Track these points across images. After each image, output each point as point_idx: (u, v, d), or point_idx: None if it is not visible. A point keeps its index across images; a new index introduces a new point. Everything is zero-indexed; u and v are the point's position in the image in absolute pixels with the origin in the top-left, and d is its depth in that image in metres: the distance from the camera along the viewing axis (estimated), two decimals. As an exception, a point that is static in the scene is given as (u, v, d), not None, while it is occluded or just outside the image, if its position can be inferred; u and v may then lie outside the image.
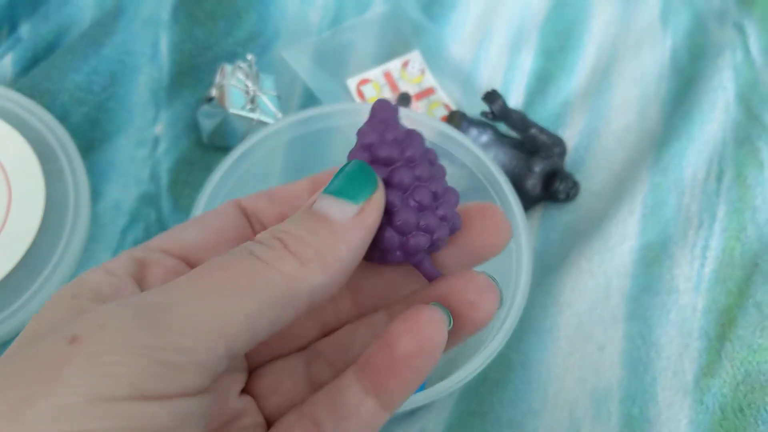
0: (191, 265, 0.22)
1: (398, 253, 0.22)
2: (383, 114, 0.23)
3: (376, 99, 0.55)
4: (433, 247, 0.23)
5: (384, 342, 0.21)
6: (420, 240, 0.22)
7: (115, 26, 0.54)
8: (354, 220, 0.20)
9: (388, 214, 0.22)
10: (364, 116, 0.46)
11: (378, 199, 0.21)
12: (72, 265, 0.46)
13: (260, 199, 0.24)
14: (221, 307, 0.18)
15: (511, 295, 0.40)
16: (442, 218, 0.22)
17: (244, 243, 0.20)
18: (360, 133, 0.23)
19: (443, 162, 0.45)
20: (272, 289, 0.18)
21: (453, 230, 0.23)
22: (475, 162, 0.44)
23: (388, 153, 0.22)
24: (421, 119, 0.45)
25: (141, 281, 0.21)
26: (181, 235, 0.22)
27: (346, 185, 0.20)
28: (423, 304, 0.21)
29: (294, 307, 0.19)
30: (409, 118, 0.45)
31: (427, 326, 0.20)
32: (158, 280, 0.21)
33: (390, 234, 0.22)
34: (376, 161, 0.22)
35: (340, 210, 0.20)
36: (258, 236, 0.20)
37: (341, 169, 0.21)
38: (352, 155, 0.22)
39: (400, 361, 0.20)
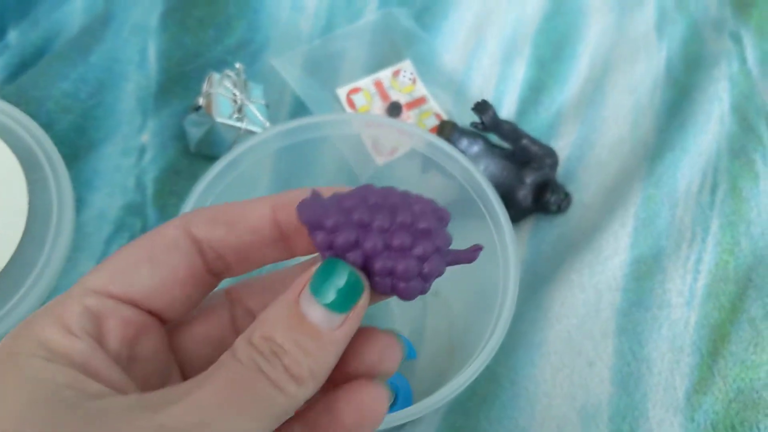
0: (144, 309, 0.21)
1: (401, 284, 0.22)
2: (309, 213, 0.21)
3: (366, 109, 0.55)
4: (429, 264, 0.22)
5: (328, 408, 0.22)
6: (402, 262, 0.21)
7: (104, 33, 0.53)
8: (341, 330, 0.20)
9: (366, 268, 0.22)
10: (353, 127, 0.46)
11: (363, 305, 0.21)
12: (55, 275, 0.45)
13: (216, 228, 0.22)
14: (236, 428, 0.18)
15: (498, 309, 0.40)
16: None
17: (244, 349, 0.19)
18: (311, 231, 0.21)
19: (433, 173, 0.45)
20: (277, 409, 0.19)
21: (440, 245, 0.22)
22: (464, 174, 0.43)
23: (344, 238, 0.21)
24: (411, 130, 0.44)
25: (100, 339, 0.20)
26: (132, 279, 0.21)
27: (335, 297, 0.20)
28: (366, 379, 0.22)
29: (285, 418, 0.20)
30: (398, 128, 0.45)
31: (370, 401, 0.21)
32: (118, 337, 0.21)
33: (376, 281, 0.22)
34: (339, 246, 0.21)
35: (328, 321, 0.20)
36: (254, 341, 0.20)
37: (327, 271, 0.21)
38: (318, 245, 0.21)
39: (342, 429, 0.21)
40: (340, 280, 0.20)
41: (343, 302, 0.20)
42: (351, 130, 0.45)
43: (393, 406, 0.45)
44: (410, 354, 0.46)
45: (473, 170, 0.42)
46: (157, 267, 0.21)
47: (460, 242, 0.46)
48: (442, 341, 0.48)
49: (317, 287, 0.20)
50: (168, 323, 0.23)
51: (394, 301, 0.47)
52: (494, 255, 0.42)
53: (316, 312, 0.20)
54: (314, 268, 0.21)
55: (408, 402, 0.45)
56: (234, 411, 0.18)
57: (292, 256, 0.24)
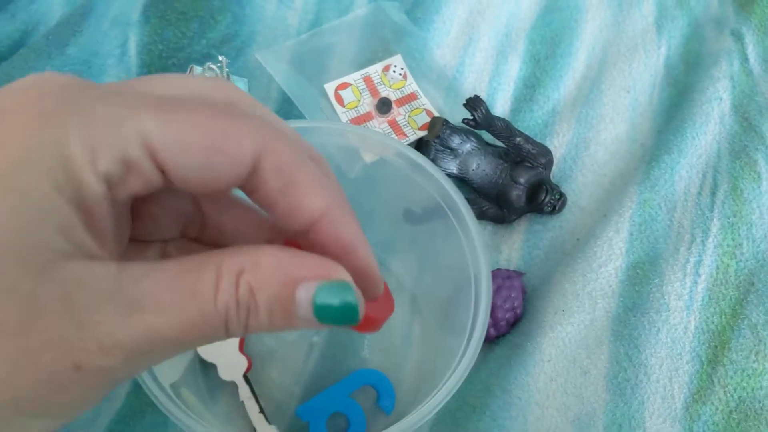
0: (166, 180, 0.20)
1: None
2: None
3: (355, 105, 0.53)
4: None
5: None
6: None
7: (82, 25, 0.51)
8: (307, 324, 0.21)
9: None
10: (344, 137, 0.44)
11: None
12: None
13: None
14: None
15: (471, 320, 0.38)
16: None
17: (227, 289, 0.20)
18: None
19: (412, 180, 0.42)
20: (211, 341, 0.21)
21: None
22: (436, 186, 0.41)
23: None
24: (379, 139, 0.42)
25: (115, 191, 0.19)
26: (188, 153, 0.19)
27: (330, 313, 0.21)
28: None
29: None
30: (366, 136, 0.43)
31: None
32: (131, 195, 0.19)
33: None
34: None
35: (307, 318, 0.21)
36: (241, 291, 0.20)
37: (337, 291, 0.21)
38: None
39: None
40: (344, 306, 0.21)
41: (332, 319, 0.21)
42: (342, 141, 0.44)
43: (379, 400, 0.44)
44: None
45: (444, 182, 0.40)
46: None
47: (444, 244, 0.45)
48: (424, 349, 0.47)
49: (323, 297, 0.20)
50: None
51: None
52: (466, 261, 0.40)
53: (304, 307, 0.20)
54: (329, 270, 0.21)
55: (390, 409, 0.43)
56: (177, 336, 0.19)
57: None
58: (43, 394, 0.18)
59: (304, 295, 0.20)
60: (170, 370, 0.38)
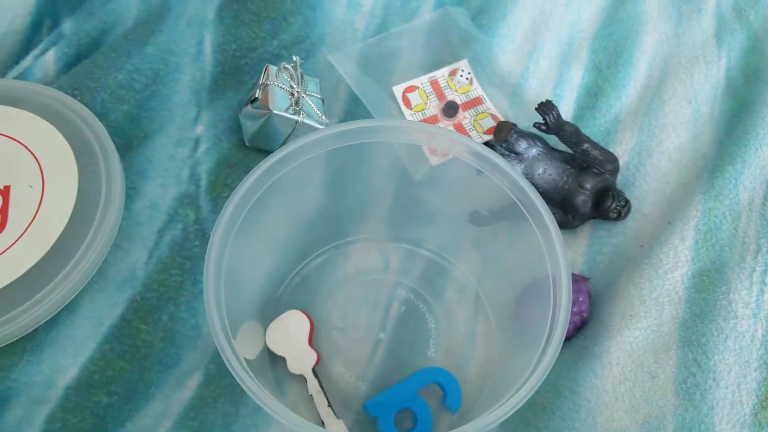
0: None
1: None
2: None
3: (422, 108, 0.54)
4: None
5: None
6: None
7: (160, 25, 0.53)
8: None
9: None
10: (411, 134, 0.44)
11: None
12: (97, 258, 0.44)
13: None
14: None
15: (549, 323, 0.38)
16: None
17: None
18: None
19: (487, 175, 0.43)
20: None
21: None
22: (511, 184, 0.42)
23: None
24: (458, 139, 0.43)
25: None
26: None
27: None
28: None
29: None
30: (449, 138, 0.43)
31: None
32: None
33: None
34: None
35: None
36: None
37: None
38: None
39: None
40: None
41: None
42: (408, 138, 0.44)
43: (445, 399, 0.44)
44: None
45: (521, 181, 0.41)
46: None
47: (510, 245, 0.45)
48: (488, 349, 0.47)
49: None
50: None
51: (442, 314, 0.46)
52: (542, 262, 0.40)
53: None
54: None
55: (457, 405, 0.44)
56: None
57: None
58: None
59: None
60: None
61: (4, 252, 0.43)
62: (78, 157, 0.47)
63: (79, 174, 0.46)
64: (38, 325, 0.42)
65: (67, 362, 0.42)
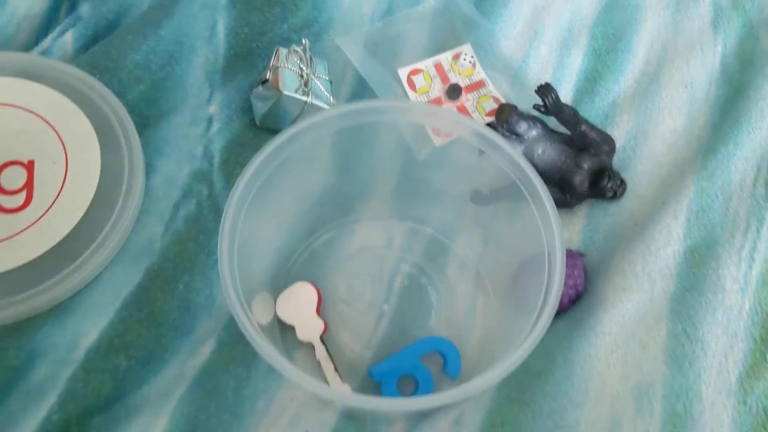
0: None
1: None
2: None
3: (426, 90, 0.56)
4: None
5: None
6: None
7: (174, 9, 0.55)
8: None
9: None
10: (416, 115, 0.46)
11: None
12: (123, 235, 0.47)
13: None
14: None
15: (544, 294, 0.40)
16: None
17: None
18: None
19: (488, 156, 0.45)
20: None
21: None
22: (510, 164, 0.44)
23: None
24: (461, 120, 0.45)
25: None
26: None
27: None
28: None
29: None
30: (453, 120, 0.45)
31: None
32: None
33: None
34: None
35: None
36: None
37: None
38: None
39: None
40: None
41: None
42: (413, 118, 0.46)
43: (445, 366, 0.46)
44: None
45: (521, 161, 0.43)
46: None
47: (510, 223, 0.47)
48: (488, 321, 0.49)
49: None
50: None
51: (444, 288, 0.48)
52: (539, 239, 0.42)
53: None
54: None
55: (456, 365, 0.46)
56: None
57: None
58: None
59: None
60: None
61: (32, 225, 0.45)
62: (99, 135, 0.49)
63: (102, 152, 0.48)
64: (63, 299, 0.44)
65: (88, 326, 0.45)
